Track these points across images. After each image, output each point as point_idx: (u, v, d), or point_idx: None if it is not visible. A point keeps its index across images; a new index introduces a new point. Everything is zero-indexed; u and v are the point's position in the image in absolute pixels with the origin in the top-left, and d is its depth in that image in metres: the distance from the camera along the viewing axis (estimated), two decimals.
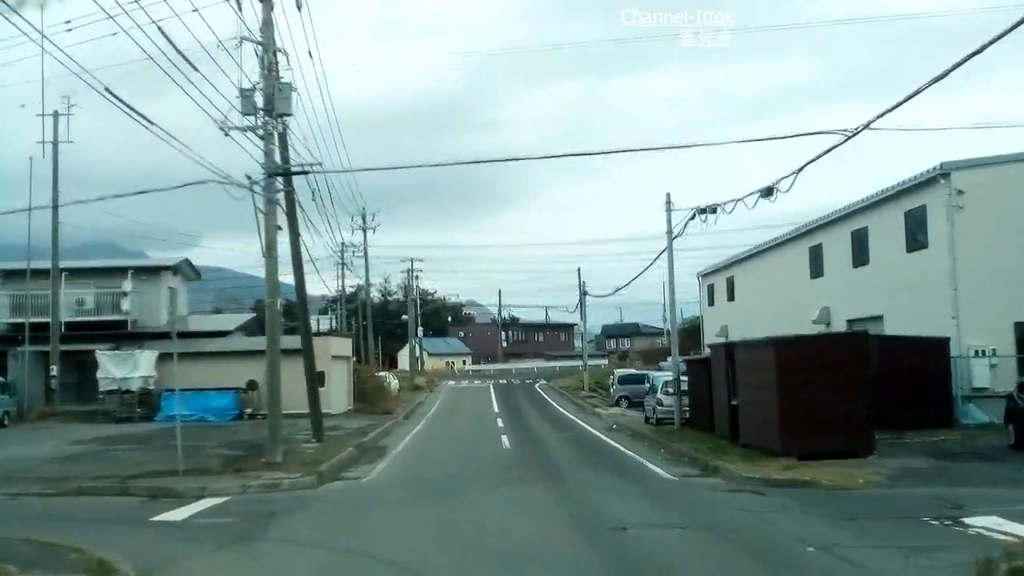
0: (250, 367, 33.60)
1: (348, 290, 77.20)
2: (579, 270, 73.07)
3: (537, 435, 26.92)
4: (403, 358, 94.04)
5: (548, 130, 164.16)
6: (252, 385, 33.24)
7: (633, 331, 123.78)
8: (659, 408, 27.16)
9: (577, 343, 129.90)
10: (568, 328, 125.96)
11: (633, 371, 44.63)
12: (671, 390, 26.76)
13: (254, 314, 40.92)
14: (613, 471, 17.93)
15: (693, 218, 25.58)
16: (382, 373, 45.70)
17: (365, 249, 56.74)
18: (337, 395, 34.81)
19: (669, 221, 26.31)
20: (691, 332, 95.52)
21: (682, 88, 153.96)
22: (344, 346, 35.89)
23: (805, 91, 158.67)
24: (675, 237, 26.25)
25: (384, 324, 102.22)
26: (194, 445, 23.34)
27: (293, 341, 36.03)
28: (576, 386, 55.97)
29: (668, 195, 26.54)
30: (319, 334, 35.23)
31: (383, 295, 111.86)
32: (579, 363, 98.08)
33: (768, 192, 19.26)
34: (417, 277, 73.36)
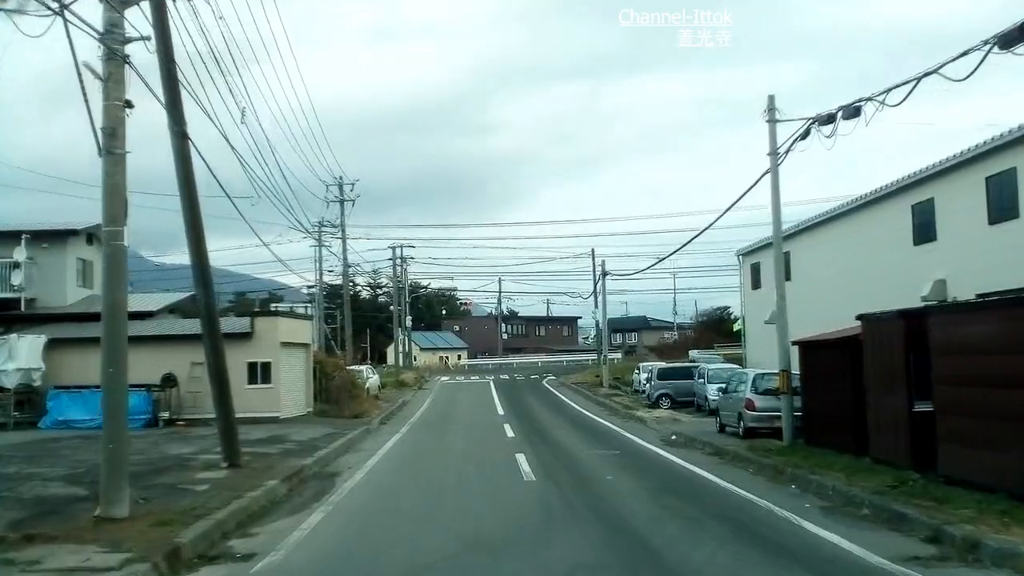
0: (174, 357, 24.89)
1: (333, 279, 68.49)
2: (593, 251, 64.26)
3: (570, 453, 18.18)
4: (393, 354, 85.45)
5: (544, 134, 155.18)
6: (169, 380, 24.47)
7: (641, 325, 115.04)
8: (749, 414, 18.42)
9: (581, 337, 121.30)
10: (571, 321, 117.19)
11: (674, 363, 35.88)
12: (770, 386, 18.13)
13: (191, 293, 31.97)
14: (753, 541, 9.22)
15: (806, 135, 16.92)
16: (357, 367, 36.97)
17: (343, 224, 47.94)
18: (290, 394, 26.07)
19: (773, 136, 17.69)
20: (713, 324, 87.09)
21: (682, 92, 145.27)
22: (300, 331, 27.10)
23: (803, 96, 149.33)
24: (781, 161, 17.62)
25: (374, 319, 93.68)
26: (27, 473, 14.72)
27: (230, 324, 27.26)
28: (592, 382, 47.32)
29: (771, 99, 17.90)
30: (265, 313, 26.48)
31: (372, 288, 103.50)
32: (587, 357, 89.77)
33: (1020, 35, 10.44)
34: (405, 260, 64.37)
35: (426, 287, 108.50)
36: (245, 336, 24.89)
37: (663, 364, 33.63)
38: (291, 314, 27.22)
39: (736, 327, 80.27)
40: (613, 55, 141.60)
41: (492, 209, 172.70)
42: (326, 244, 52.18)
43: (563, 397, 39.52)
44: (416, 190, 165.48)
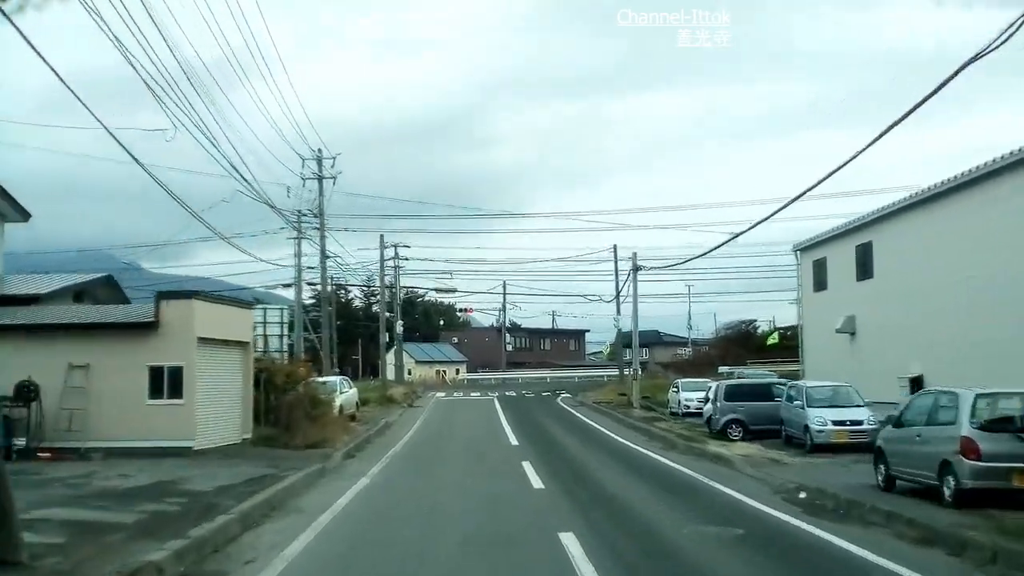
0: (42, 357, 17.01)
1: (315, 276, 60.57)
2: (615, 248, 56.82)
3: (657, 535, 10.18)
4: (387, 367, 77.62)
5: (544, 146, 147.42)
6: (26, 391, 16.55)
7: (653, 340, 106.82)
8: (968, 464, 10.44)
9: (587, 352, 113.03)
10: (578, 335, 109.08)
11: (743, 380, 27.97)
12: (1002, 415, 10.29)
13: (106, 274, 24.13)
14: None
15: None
16: (325, 377, 29.14)
17: (320, 206, 40.12)
18: (213, 413, 18.14)
19: None
20: (738, 338, 78.93)
21: (682, 106, 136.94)
22: (232, 322, 19.11)
23: (806, 114, 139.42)
24: None
25: (367, 328, 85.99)
26: None
27: (124, 311, 19.59)
28: (617, 401, 39.40)
29: None
30: (176, 294, 18.62)
31: (366, 296, 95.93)
32: (600, 373, 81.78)
33: None
34: (398, 255, 56.49)
35: (423, 296, 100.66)
36: (146, 328, 17.03)
37: (731, 381, 25.68)
38: (216, 298, 19.22)
39: (771, 341, 72.40)
40: (613, 66, 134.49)
41: (494, 220, 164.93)
42: (308, 237, 44.36)
43: (589, 420, 31.52)
44: (415, 203, 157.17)
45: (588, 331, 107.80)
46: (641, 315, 63.07)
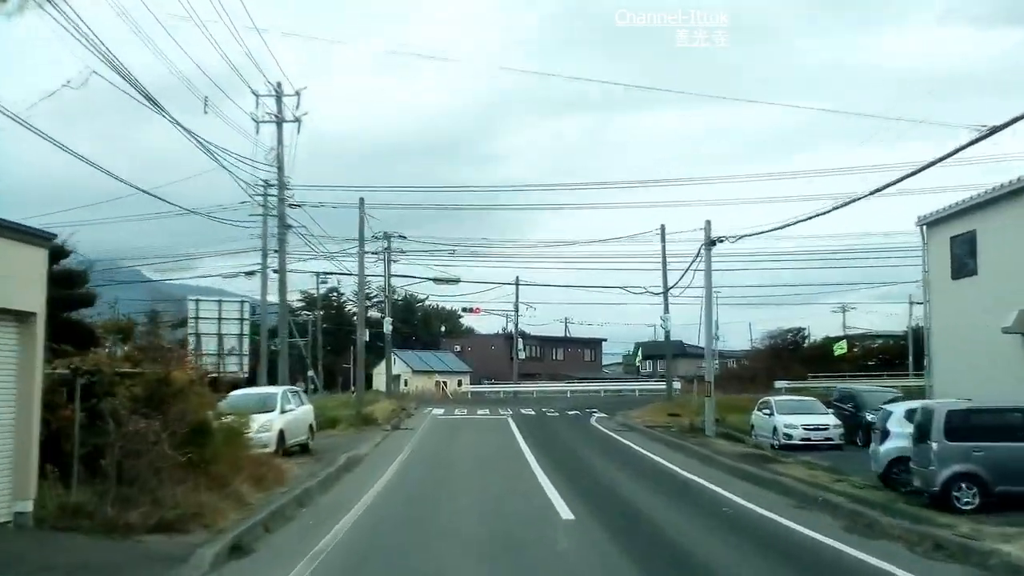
0: None
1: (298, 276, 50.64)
2: (663, 228, 47.03)
3: None
4: (379, 376, 68.30)
5: (547, 163, 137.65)
6: None
7: (678, 351, 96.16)
8: None
9: (606, 362, 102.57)
10: (594, 344, 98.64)
11: (973, 403, 17.49)
12: None
13: None
14: None
15: None
16: (255, 389, 19.10)
17: (279, 157, 30.01)
18: None
19: None
20: (784, 349, 68.63)
21: (686, 125, 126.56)
22: None
23: (813, 132, 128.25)
24: None
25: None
26: None
27: None
28: (677, 424, 29.15)
29: None
30: None
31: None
32: (632, 387, 72.01)
33: None
34: (389, 245, 46.45)
35: (423, 300, 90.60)
36: None
37: (955, 403, 15.28)
38: None
39: (838, 350, 61.99)
40: (617, 84, 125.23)
41: (501, 235, 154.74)
42: (274, 215, 34.21)
43: (664, 460, 20.56)
44: (417, 220, 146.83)
45: (605, 340, 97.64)
46: (656, 324, 52.15)
